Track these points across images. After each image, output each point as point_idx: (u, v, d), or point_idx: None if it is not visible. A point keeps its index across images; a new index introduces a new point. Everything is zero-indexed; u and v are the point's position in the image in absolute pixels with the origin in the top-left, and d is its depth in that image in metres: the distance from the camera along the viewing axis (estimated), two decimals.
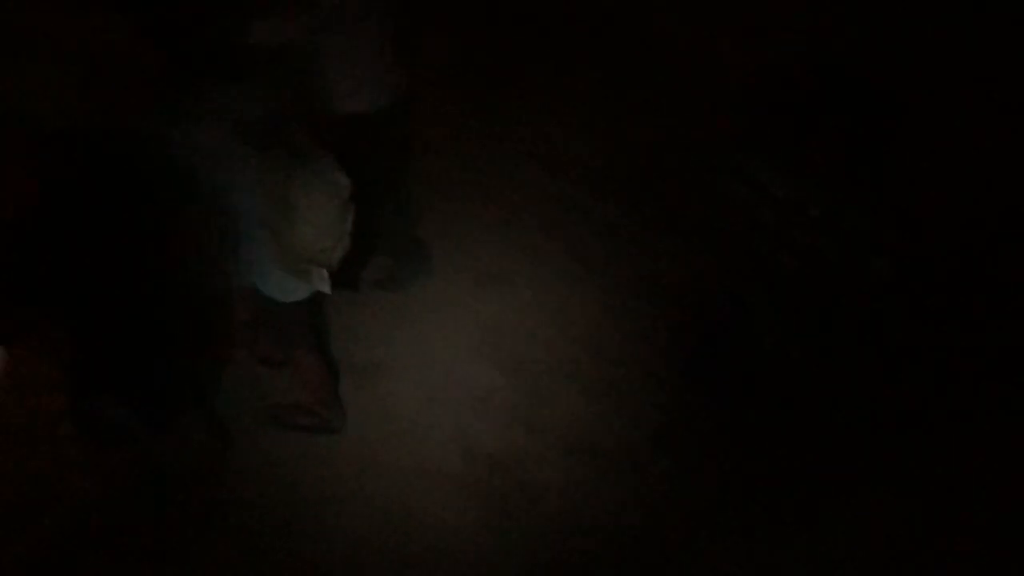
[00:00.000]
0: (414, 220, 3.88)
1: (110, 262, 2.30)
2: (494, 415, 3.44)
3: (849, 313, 2.82)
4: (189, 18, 2.51)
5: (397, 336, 3.69)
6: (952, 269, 3.49)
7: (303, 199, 2.58)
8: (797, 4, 4.36)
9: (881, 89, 2.58)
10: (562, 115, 4.73)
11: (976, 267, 3.62)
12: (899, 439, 3.23)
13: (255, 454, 3.24)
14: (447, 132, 4.54)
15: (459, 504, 3.15)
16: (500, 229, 4.17)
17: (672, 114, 4.50)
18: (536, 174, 4.43)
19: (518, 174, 4.45)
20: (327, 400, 3.24)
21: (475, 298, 3.87)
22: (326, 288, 2.75)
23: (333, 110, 3.46)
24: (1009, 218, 3.72)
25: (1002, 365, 3.38)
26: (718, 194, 2.67)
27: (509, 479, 3.23)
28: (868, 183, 2.63)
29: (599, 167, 4.45)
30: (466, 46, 4.94)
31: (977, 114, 3.94)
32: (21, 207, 2.21)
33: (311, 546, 3.01)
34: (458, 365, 3.60)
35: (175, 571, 2.88)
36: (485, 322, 3.77)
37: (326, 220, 2.66)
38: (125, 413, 2.55)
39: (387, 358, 3.60)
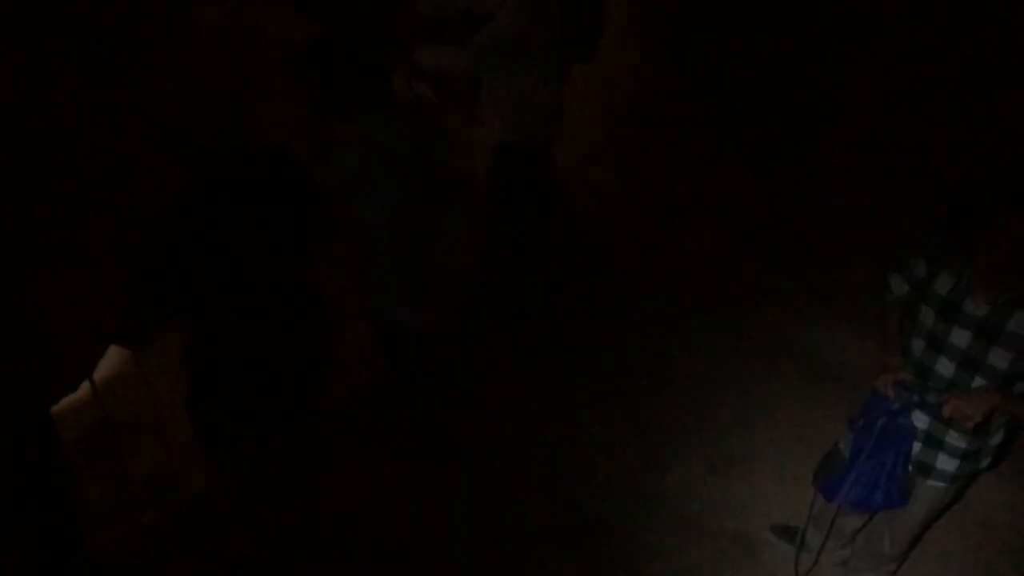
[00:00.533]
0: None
1: (242, 274, 2.31)
2: None
3: None
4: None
5: None
6: None
7: (435, 232, 2.57)
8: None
9: None
10: None
11: None
12: None
13: (354, 473, 3.23)
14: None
15: None
16: None
17: None
18: None
19: None
20: None
21: None
22: (450, 320, 2.75)
23: (492, 139, 3.56)
24: None
25: None
26: None
27: None
28: None
29: None
30: None
31: None
32: (163, 204, 2.24)
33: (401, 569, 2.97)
34: None
35: None
36: None
37: (456, 254, 2.67)
38: (236, 422, 2.56)
39: None
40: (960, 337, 2.24)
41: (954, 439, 2.37)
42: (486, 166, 3.69)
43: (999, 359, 2.19)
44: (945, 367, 2.30)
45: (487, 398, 3.59)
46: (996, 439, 2.41)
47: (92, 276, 3.07)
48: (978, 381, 2.24)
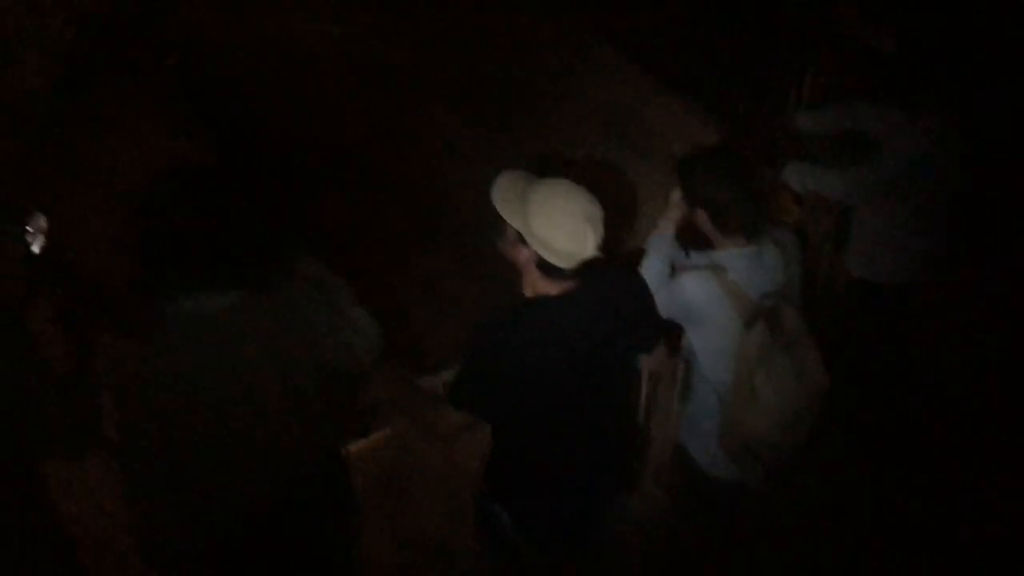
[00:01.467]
0: None
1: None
2: None
3: None
4: None
5: None
6: None
7: (771, 385, 2.35)
8: None
9: None
10: None
11: None
12: None
13: None
14: None
15: None
16: None
17: None
18: None
19: None
20: None
21: None
22: (756, 483, 2.56)
23: (850, 275, 3.36)
24: None
25: None
26: None
27: None
28: None
29: None
30: None
31: None
32: None
33: None
34: None
35: None
36: None
37: (786, 416, 2.40)
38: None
39: None
40: None
41: None
42: (838, 303, 3.47)
43: None
44: None
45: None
46: None
47: None
48: None
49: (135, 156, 2.96)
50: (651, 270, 2.49)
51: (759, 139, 3.56)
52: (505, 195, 2.10)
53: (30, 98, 2.97)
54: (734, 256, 2.39)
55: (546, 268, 2.05)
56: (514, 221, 2.06)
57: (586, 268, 2.07)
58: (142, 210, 1.73)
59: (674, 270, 2.49)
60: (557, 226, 2.01)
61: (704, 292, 2.35)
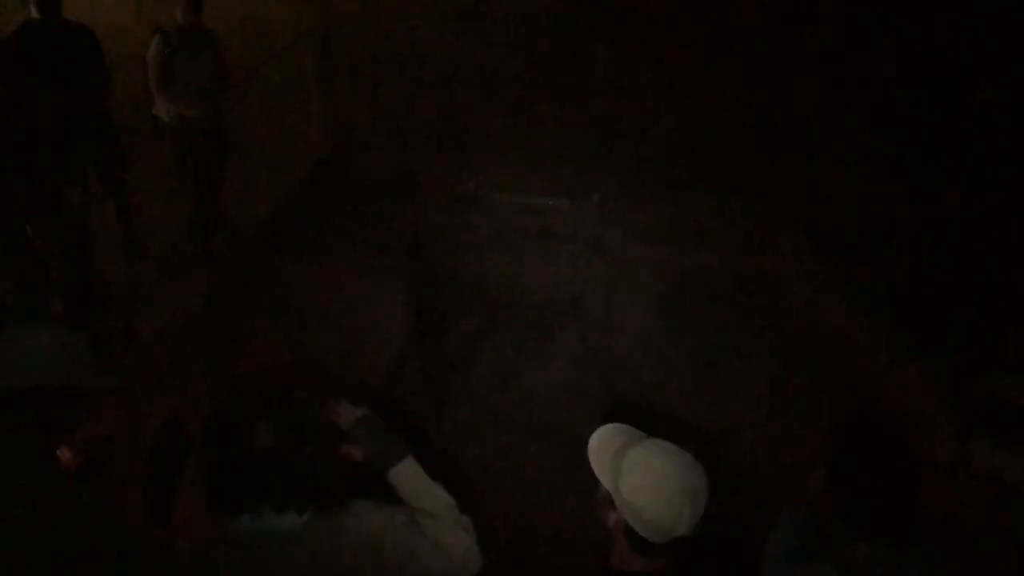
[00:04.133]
0: None
1: None
2: None
3: None
4: None
5: None
6: None
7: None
8: None
9: None
10: None
11: None
12: None
13: None
14: None
15: None
16: None
17: None
18: None
19: None
20: None
21: None
22: None
23: None
24: None
25: None
26: None
27: None
28: None
29: None
30: None
31: None
32: None
33: None
34: None
35: None
36: None
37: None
38: None
39: None
40: None
41: None
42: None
43: None
44: None
45: None
46: None
47: None
48: None
49: None
50: (777, 548, 2.22)
51: None
52: (601, 448, 1.91)
53: None
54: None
55: (634, 539, 1.82)
56: (605, 480, 1.86)
57: (682, 547, 1.82)
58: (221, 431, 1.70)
59: (803, 551, 2.20)
60: (649, 494, 1.78)
61: None
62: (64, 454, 2.24)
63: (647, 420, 1.99)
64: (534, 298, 5.30)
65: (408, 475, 1.97)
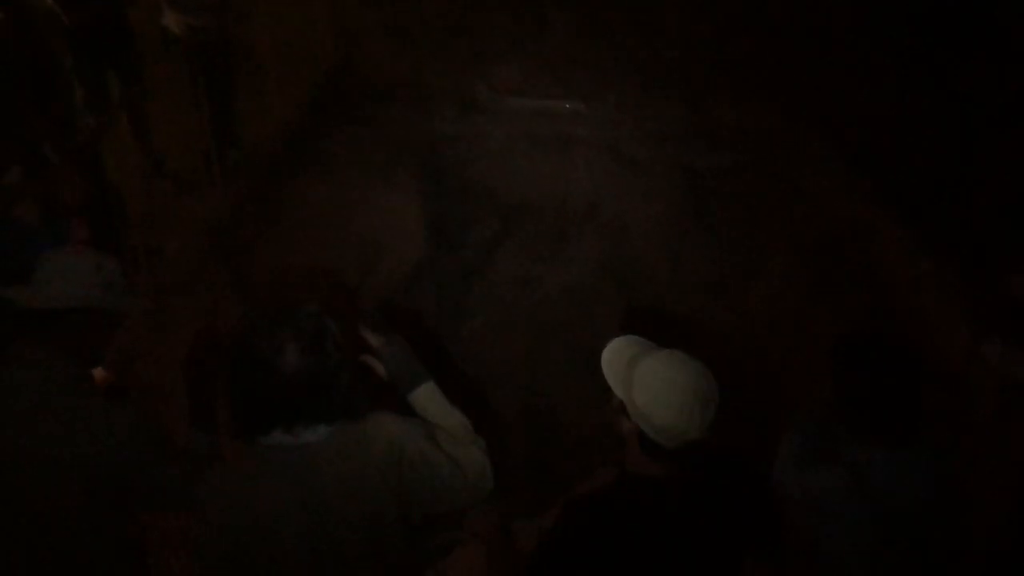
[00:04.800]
0: None
1: None
2: None
3: None
4: None
5: None
6: None
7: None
8: None
9: None
10: None
11: None
12: None
13: None
14: None
15: None
16: None
17: None
18: None
19: None
20: None
21: None
22: None
23: None
24: None
25: None
26: None
27: None
28: None
29: None
30: None
31: None
32: None
33: None
34: None
35: None
36: None
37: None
38: None
39: None
40: None
41: None
42: None
43: None
44: None
45: None
46: None
47: None
48: None
49: None
50: (788, 452, 2.29)
51: None
52: (613, 360, 1.97)
53: None
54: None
55: (647, 445, 1.89)
56: (617, 389, 1.92)
57: (695, 451, 1.90)
58: (246, 349, 1.76)
59: (814, 455, 2.27)
60: (661, 400, 1.85)
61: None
62: (98, 373, 2.33)
63: (663, 323, 2.03)
64: (549, 203, 5.30)
65: (428, 399, 2.05)
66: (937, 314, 4.00)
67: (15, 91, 3.55)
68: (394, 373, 2.07)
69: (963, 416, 3.27)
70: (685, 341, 2.00)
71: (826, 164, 5.24)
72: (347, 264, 4.82)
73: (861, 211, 4.89)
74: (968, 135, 4.28)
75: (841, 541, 2.18)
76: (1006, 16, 4.16)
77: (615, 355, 1.98)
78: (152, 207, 4.81)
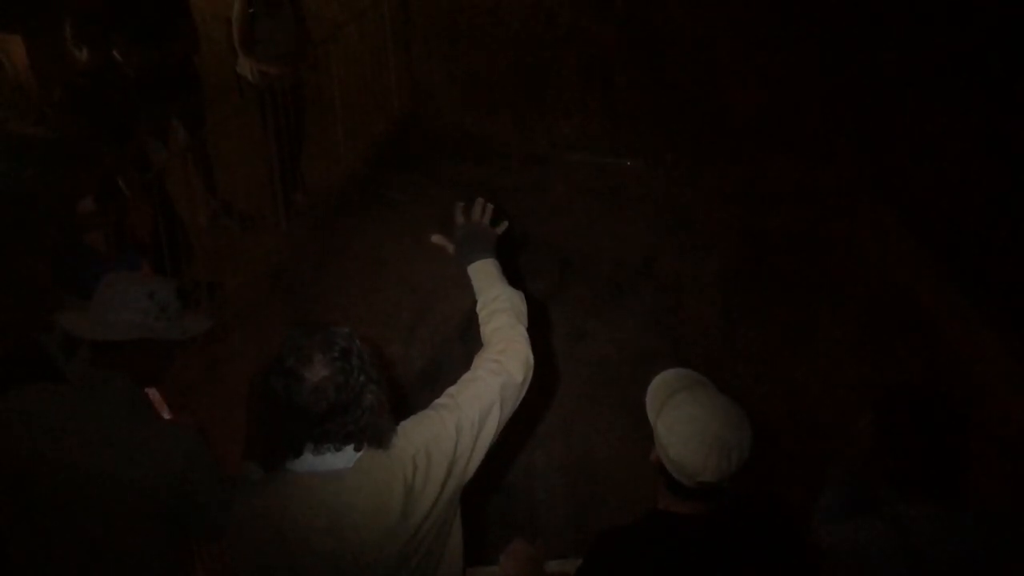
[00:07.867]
0: None
1: None
2: None
3: None
4: None
5: None
6: None
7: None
8: None
9: None
10: None
11: None
12: None
13: None
14: None
15: None
16: None
17: None
18: None
19: None
20: None
21: None
22: None
23: None
24: None
25: None
26: None
27: None
28: None
29: None
30: None
31: None
32: None
33: None
34: None
35: None
36: None
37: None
38: None
39: None
40: None
41: None
42: None
43: None
44: None
45: None
46: None
47: None
48: None
49: None
50: (828, 504, 2.24)
51: None
52: (658, 386, 1.97)
53: None
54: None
55: (670, 480, 1.88)
56: (651, 414, 1.92)
57: (720, 494, 1.87)
58: (277, 362, 1.78)
59: (854, 507, 2.21)
60: (678, 433, 1.83)
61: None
62: (154, 395, 2.39)
63: (716, 383, 2.02)
64: (606, 257, 5.31)
65: (487, 271, 2.20)
66: (999, 384, 3.88)
67: (95, 129, 3.73)
68: (461, 243, 2.23)
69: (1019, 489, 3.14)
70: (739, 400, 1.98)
71: (886, 231, 5.17)
72: (402, 308, 4.88)
73: (920, 279, 4.80)
74: None
75: None
76: None
77: (661, 382, 1.98)
78: (217, 244, 4.95)
